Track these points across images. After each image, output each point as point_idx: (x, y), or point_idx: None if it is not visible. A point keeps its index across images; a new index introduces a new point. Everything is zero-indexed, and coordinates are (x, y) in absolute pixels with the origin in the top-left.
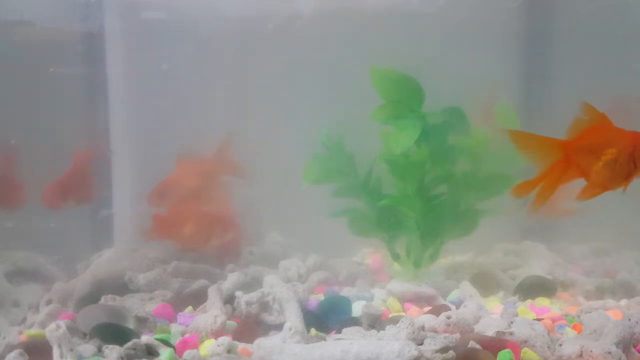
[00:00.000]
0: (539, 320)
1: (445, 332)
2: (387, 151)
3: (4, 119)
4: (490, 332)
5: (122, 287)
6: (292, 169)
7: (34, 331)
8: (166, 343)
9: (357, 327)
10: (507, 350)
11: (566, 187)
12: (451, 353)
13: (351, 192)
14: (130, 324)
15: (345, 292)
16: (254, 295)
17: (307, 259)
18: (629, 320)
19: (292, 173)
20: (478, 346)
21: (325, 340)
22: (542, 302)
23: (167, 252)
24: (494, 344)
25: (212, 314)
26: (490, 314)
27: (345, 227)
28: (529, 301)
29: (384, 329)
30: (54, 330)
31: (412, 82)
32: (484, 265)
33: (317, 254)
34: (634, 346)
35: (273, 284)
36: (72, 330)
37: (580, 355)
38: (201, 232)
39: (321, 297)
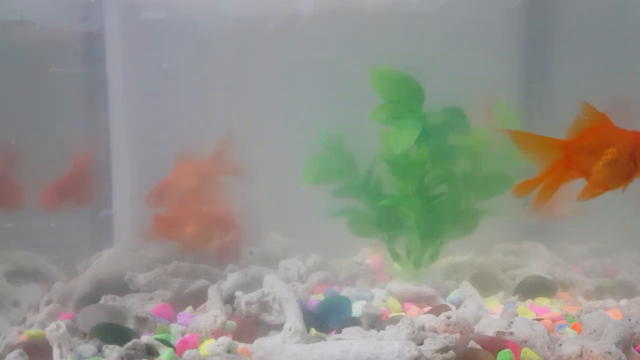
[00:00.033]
0: (539, 320)
1: (445, 332)
2: (387, 151)
3: (3, 119)
4: (490, 332)
5: (122, 287)
6: (292, 169)
7: (34, 331)
8: (166, 343)
9: (357, 327)
10: (507, 350)
11: (566, 188)
12: (451, 353)
13: (351, 192)
14: (130, 324)
15: (345, 292)
16: (254, 295)
17: (307, 259)
18: (629, 320)
19: (292, 173)
20: (478, 346)
21: (325, 340)
22: (542, 302)
23: (167, 252)
24: (494, 344)
25: (212, 314)
26: (490, 314)
27: (345, 227)
28: (529, 301)
29: (384, 329)
30: (54, 330)
31: (412, 82)
32: (484, 265)
33: (317, 254)
34: (634, 346)
35: (273, 284)
36: (72, 330)
37: (580, 355)
38: (202, 232)
39: (321, 297)
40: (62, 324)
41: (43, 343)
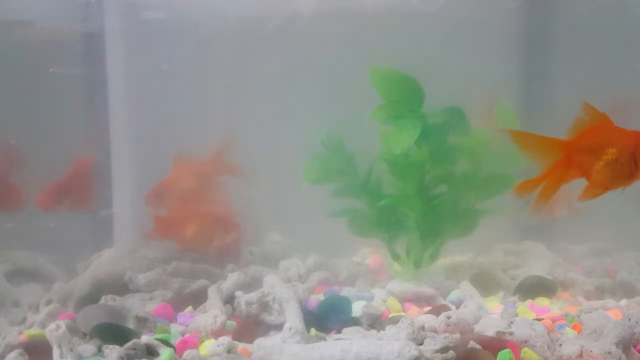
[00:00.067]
0: (539, 320)
1: (445, 332)
2: (387, 151)
3: (4, 119)
4: (490, 332)
5: (122, 287)
6: (292, 169)
7: (34, 331)
8: (166, 343)
9: (357, 327)
10: (507, 350)
11: (566, 188)
12: (451, 353)
13: (351, 192)
14: (130, 324)
15: (345, 292)
16: (254, 295)
17: (307, 259)
18: (629, 320)
19: (292, 173)
20: (478, 346)
21: (325, 340)
22: (542, 302)
23: (167, 252)
24: (494, 344)
25: (212, 314)
26: (490, 314)
27: (345, 227)
28: (529, 301)
29: (384, 329)
30: (54, 330)
31: (412, 82)
32: (484, 265)
33: (317, 254)
34: (634, 346)
35: (273, 284)
36: (72, 330)
37: (580, 355)
38: (204, 232)
39: (321, 297)
40: (62, 324)
41: (43, 343)
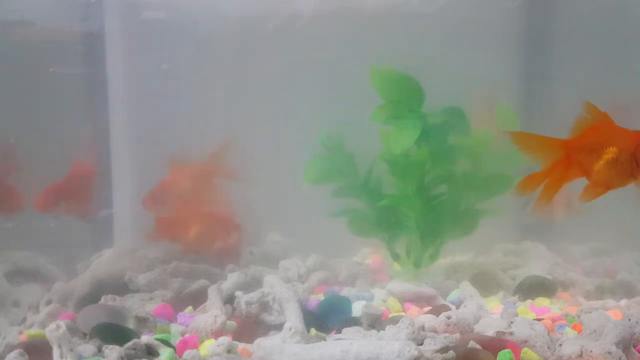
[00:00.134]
0: (539, 320)
1: (445, 332)
2: (387, 151)
3: (3, 120)
4: (490, 332)
5: (122, 287)
6: (292, 169)
7: (34, 331)
8: (166, 343)
9: (357, 327)
10: (507, 350)
11: (566, 188)
12: (451, 353)
13: (351, 192)
14: (130, 324)
15: (345, 292)
16: (254, 295)
17: (307, 259)
18: (629, 320)
19: (292, 173)
20: (478, 346)
21: (325, 340)
22: (542, 302)
23: (167, 252)
24: (494, 344)
25: (212, 314)
26: (490, 314)
27: (345, 227)
28: (529, 301)
29: (384, 329)
30: (54, 330)
31: (412, 82)
32: (484, 265)
33: (317, 254)
34: (634, 346)
35: (273, 284)
36: (72, 330)
37: (580, 355)
38: (205, 233)
39: (321, 297)
40: (62, 324)
41: (43, 343)
